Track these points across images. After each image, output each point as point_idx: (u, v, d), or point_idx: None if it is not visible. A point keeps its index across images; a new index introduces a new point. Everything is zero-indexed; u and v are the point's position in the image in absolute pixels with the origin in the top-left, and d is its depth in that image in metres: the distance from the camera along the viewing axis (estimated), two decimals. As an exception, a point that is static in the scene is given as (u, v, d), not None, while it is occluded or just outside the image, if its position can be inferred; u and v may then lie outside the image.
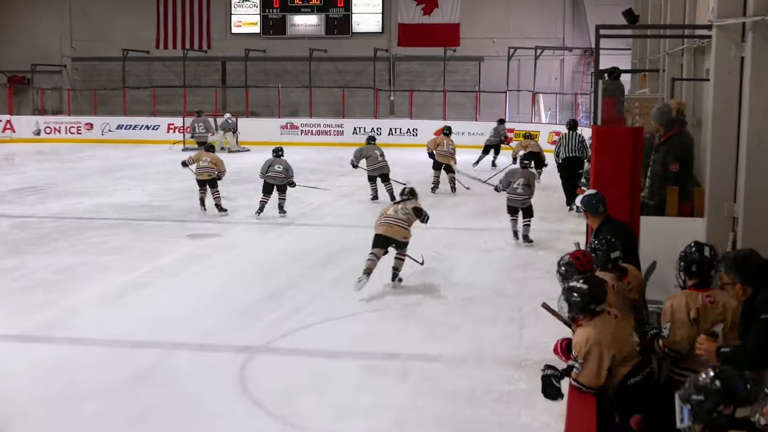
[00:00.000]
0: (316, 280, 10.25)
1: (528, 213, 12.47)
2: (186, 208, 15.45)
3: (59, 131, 31.20)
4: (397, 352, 7.64)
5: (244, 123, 28.01)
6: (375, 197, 16.44)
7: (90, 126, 31.03)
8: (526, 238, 12.37)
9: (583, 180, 13.89)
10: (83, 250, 11.75)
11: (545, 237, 12.89)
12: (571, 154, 15.33)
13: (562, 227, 13.63)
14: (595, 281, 4.96)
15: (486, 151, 22.30)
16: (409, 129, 29.40)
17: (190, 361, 7.47)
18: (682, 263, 5.04)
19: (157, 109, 31.23)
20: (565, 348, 4.99)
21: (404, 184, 12.27)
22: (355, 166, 16.63)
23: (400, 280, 10.01)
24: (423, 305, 9.21)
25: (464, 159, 19.56)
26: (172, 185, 18.72)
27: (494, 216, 14.39)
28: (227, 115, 27.10)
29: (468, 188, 17.76)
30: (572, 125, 16.03)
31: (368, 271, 9.49)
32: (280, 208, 14.47)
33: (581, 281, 4.92)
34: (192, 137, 25.65)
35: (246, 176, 17.02)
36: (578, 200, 6.48)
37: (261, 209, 14.29)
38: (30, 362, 7.38)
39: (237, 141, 26.88)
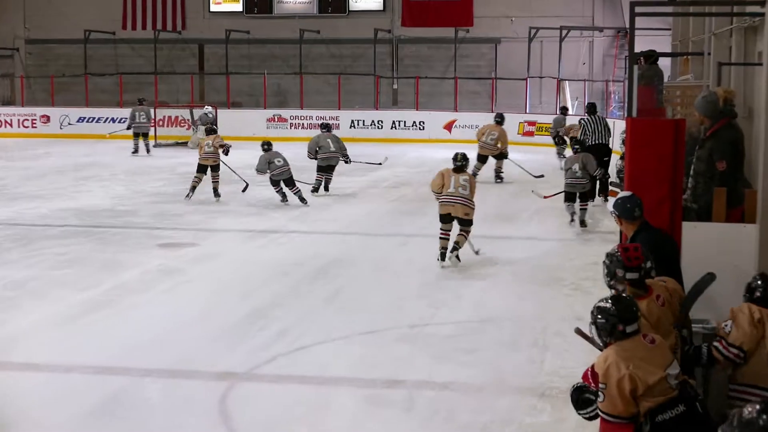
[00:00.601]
0: (307, 296, 10.24)
1: (586, 197, 14.24)
2: (157, 214, 15.46)
3: (10, 125, 31.31)
4: (402, 378, 7.62)
5: (225, 115, 28.05)
6: (316, 189, 17.46)
7: (46, 118, 31.11)
8: (583, 223, 13.99)
9: (616, 179, 13.96)
10: (38, 262, 11.73)
11: (574, 245, 12.89)
12: (599, 141, 16.33)
13: (592, 235, 13.62)
14: (624, 300, 4.95)
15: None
16: (414, 122, 29.46)
17: (162, 391, 7.44)
18: (747, 294, 5.08)
19: (124, 99, 31.27)
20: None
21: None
22: (312, 158, 17.86)
23: (459, 258, 11.41)
24: (431, 325, 9.18)
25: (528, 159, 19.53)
26: (141, 187, 18.73)
27: (515, 221, 14.38)
28: (207, 108, 27.09)
29: (541, 176, 18.23)
30: (592, 109, 17.43)
31: (443, 251, 11.39)
32: (302, 200, 15.98)
33: (608, 300, 4.92)
34: (129, 128, 25.85)
35: (224, 176, 17.01)
36: (610, 204, 6.48)
37: (284, 197, 16.11)
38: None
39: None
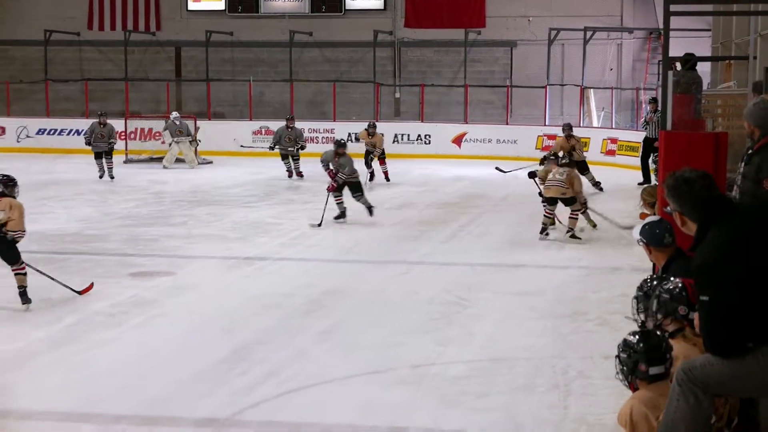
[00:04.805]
0: (298, 333, 10.25)
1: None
2: (129, 238, 15.50)
3: (-39, 137, 31.34)
4: (405, 425, 7.63)
5: (205, 127, 28.14)
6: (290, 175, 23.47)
7: (1, 130, 31.29)
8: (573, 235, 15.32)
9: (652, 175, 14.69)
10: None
11: (599, 274, 12.94)
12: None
13: (620, 261, 13.65)
14: (655, 338, 4.99)
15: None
16: (419, 135, 29.57)
17: (134, 440, 7.46)
18: None
19: (90, 109, 31.30)
20: None
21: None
22: (272, 148, 23.77)
23: (574, 236, 14.87)
24: (438, 365, 9.20)
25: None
26: (110, 208, 18.78)
27: (532, 248, 14.40)
28: (174, 114, 27.16)
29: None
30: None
31: (545, 226, 15.03)
32: (369, 211, 17.23)
33: (636, 335, 4.96)
34: (90, 144, 24.38)
35: (204, 197, 17.06)
36: (636, 231, 6.50)
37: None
38: None
39: (196, 151, 26.97)
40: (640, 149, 22.63)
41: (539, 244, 15.00)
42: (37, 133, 30.92)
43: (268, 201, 18.48)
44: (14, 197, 10.94)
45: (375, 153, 23.31)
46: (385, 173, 23.60)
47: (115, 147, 24.81)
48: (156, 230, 16.25)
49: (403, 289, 12.28)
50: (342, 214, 16.99)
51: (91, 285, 11.35)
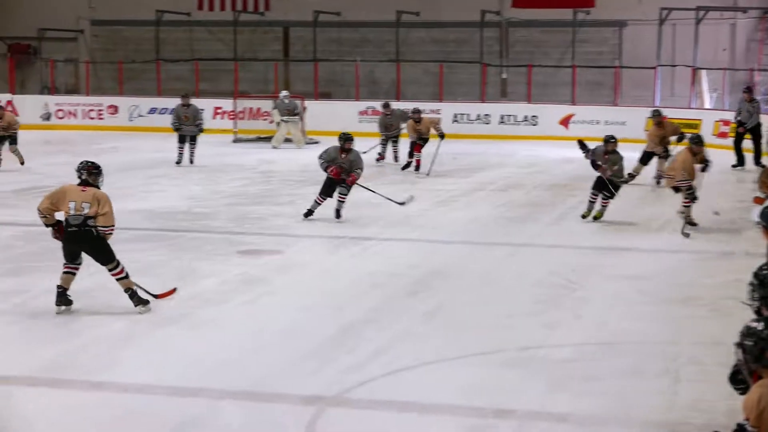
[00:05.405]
0: (404, 312, 10.26)
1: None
2: (238, 217, 15.69)
3: (74, 115, 31.99)
4: (513, 408, 7.60)
5: (312, 107, 28.30)
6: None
7: (114, 109, 31.74)
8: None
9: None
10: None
11: (713, 260, 12.75)
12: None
13: (733, 246, 13.42)
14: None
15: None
16: (526, 116, 29.38)
17: (242, 416, 7.53)
18: None
19: (200, 89, 31.70)
20: None
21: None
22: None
23: (685, 233, 13.98)
24: (546, 348, 9.14)
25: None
26: (219, 187, 19.02)
27: (642, 231, 14.21)
28: (284, 93, 27.18)
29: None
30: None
31: (691, 222, 14.42)
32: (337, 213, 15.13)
33: (762, 322, 4.85)
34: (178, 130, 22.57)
35: (311, 176, 17.16)
36: (755, 213, 6.38)
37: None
38: (38, 412, 7.50)
39: (303, 131, 27.13)
40: (735, 133, 23.00)
41: (649, 227, 14.79)
42: (149, 112, 31.32)
43: (374, 181, 18.51)
44: (98, 187, 9.92)
45: (419, 141, 21.20)
46: (418, 161, 21.23)
47: (205, 127, 23.30)
48: (264, 209, 16.40)
49: (510, 270, 12.23)
50: (310, 212, 15.13)
51: (173, 290, 10.33)
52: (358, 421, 7.46)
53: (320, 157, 15.18)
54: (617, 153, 15.16)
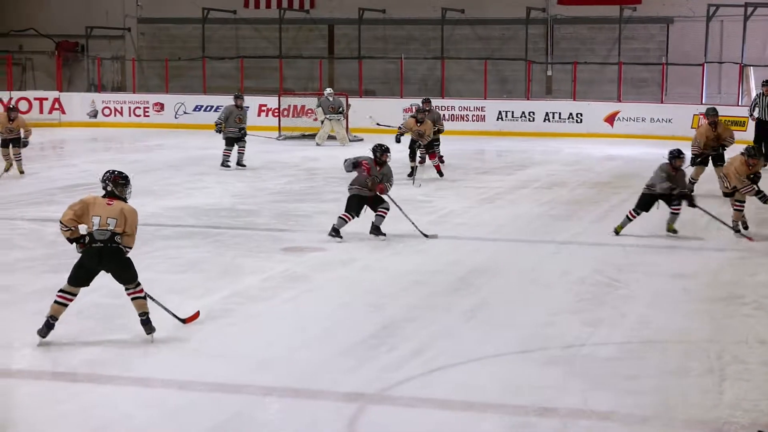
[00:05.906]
0: (446, 310, 10.25)
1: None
2: (281, 214, 15.76)
3: (120, 113, 32.26)
4: (555, 406, 7.58)
5: (356, 104, 28.33)
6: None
7: (160, 106, 31.96)
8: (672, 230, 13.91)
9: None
10: (149, 265, 11.93)
11: (756, 258, 12.66)
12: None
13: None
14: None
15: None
16: (571, 113, 29.27)
17: (284, 412, 7.58)
18: None
19: (245, 86, 31.79)
20: None
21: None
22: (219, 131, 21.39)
23: (741, 229, 13.88)
24: (588, 346, 9.11)
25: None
26: (263, 184, 19.10)
27: (685, 229, 14.11)
28: (328, 90, 27.16)
29: None
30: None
31: (744, 224, 14.04)
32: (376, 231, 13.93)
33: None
34: (220, 131, 21.64)
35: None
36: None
37: None
38: (78, 409, 7.55)
39: (347, 129, 27.17)
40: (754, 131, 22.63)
41: (694, 225, 14.65)
42: (194, 110, 31.51)
43: (417, 179, 18.53)
44: (125, 199, 9.02)
45: (422, 141, 19.59)
46: (437, 167, 19.95)
47: (249, 124, 22.44)
48: (307, 206, 16.44)
49: (553, 268, 12.19)
50: (337, 232, 13.63)
51: (197, 314, 9.56)
52: (399, 418, 7.47)
53: (346, 168, 14.00)
54: (682, 169, 13.97)
